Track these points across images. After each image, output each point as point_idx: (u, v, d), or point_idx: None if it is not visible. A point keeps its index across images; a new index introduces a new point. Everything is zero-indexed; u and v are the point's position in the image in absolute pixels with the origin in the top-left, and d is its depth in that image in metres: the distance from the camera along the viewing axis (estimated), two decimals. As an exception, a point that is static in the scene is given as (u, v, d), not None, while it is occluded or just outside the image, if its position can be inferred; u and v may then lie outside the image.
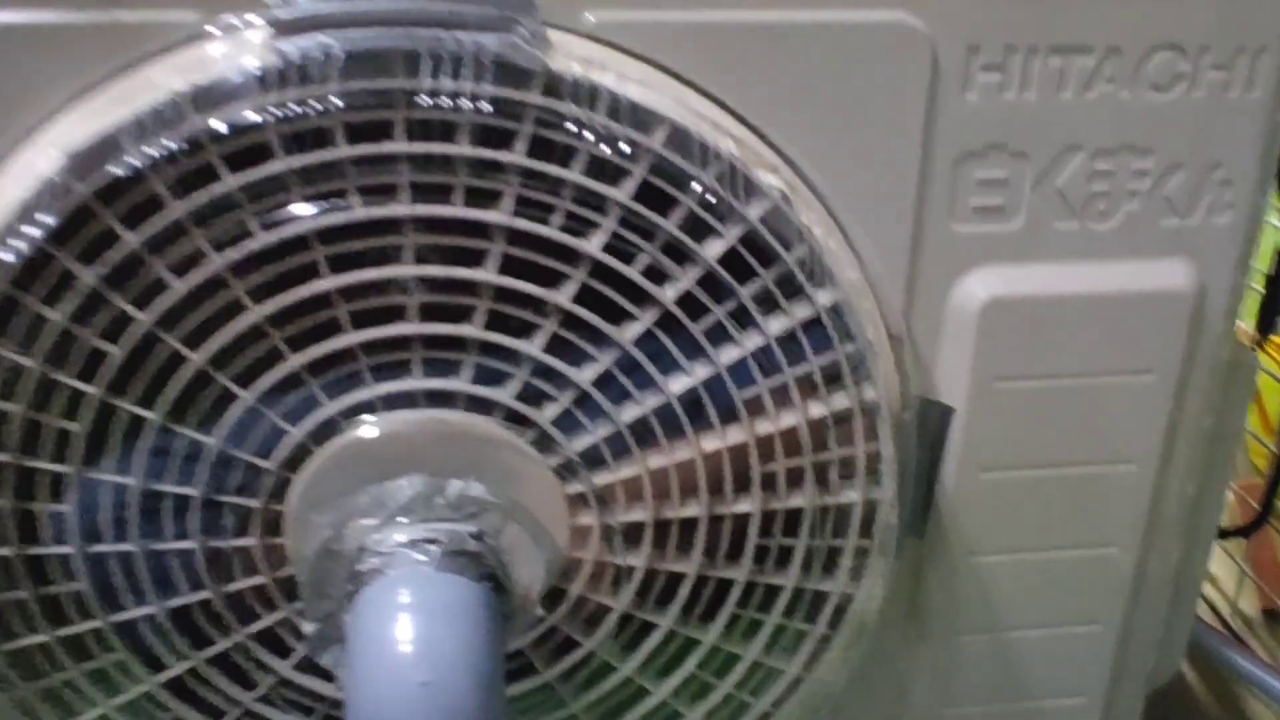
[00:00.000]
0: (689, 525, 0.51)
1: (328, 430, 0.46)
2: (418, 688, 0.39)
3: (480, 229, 0.45)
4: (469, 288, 0.46)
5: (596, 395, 0.47)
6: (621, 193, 0.45)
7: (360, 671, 0.41)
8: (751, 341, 0.48)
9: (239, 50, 0.42)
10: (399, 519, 0.45)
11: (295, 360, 0.45)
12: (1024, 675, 0.60)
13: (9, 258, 0.42)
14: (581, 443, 0.48)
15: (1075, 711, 0.62)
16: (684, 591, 0.52)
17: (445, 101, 0.42)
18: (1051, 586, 0.58)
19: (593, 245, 0.45)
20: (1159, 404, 0.54)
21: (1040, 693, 0.61)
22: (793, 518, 0.52)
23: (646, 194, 0.45)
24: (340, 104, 0.42)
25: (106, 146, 0.42)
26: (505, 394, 0.47)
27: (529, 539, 0.46)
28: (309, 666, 0.51)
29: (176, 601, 0.48)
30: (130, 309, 0.43)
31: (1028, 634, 0.59)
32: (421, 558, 0.43)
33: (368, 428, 0.46)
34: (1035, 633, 0.59)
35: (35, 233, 0.42)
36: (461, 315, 0.46)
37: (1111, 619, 0.60)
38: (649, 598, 0.52)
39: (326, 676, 0.51)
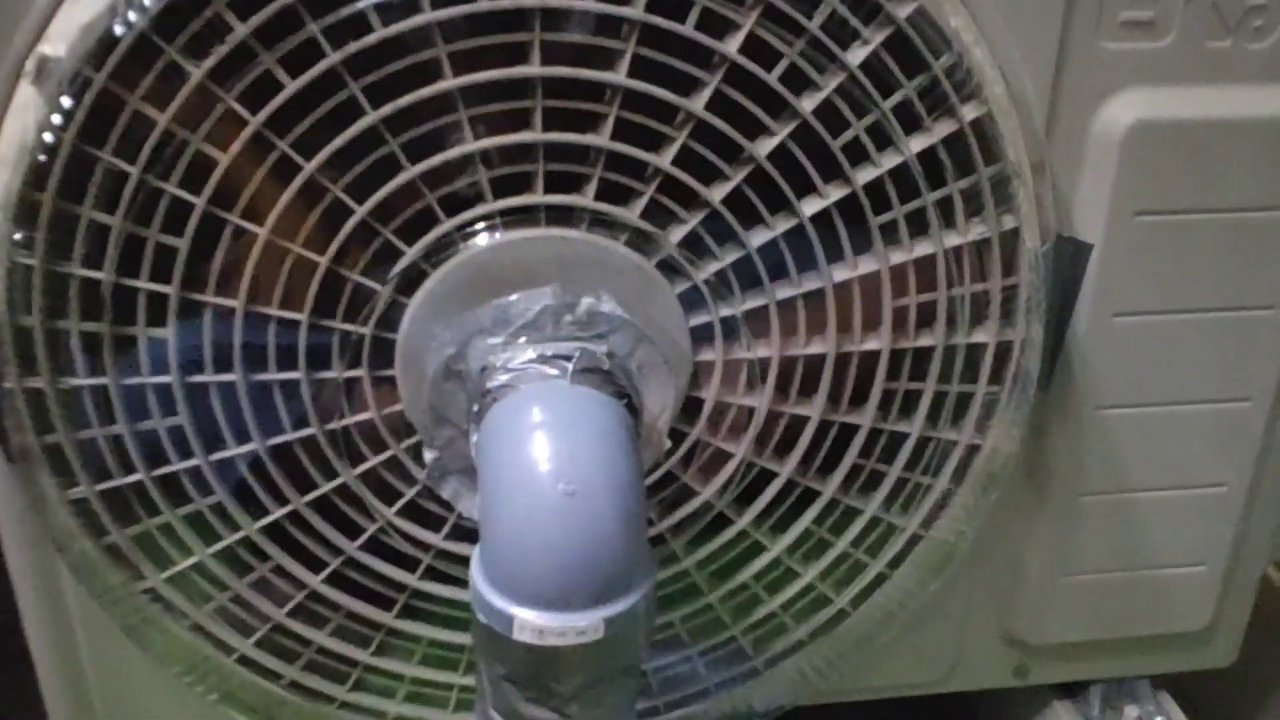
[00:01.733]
0: (814, 365, 0.48)
1: (444, 249, 0.44)
2: (562, 498, 0.37)
3: (612, 28, 0.42)
4: (596, 94, 0.42)
5: (727, 215, 0.45)
6: (764, -15, 0.41)
7: (495, 487, 0.38)
8: (889, 160, 0.45)
9: None
10: (525, 336, 0.42)
11: (413, 170, 0.42)
12: (1146, 541, 0.58)
13: (112, 39, 0.39)
14: (709, 269, 0.46)
15: (1196, 581, 0.59)
16: (806, 438, 0.50)
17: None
18: (1180, 444, 0.55)
19: (730, 46, 0.42)
20: (1308, 242, 0.51)
21: (1161, 560, 0.58)
22: (921, 360, 0.50)
23: (787, -8, 0.42)
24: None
25: (217, -76, 0.39)
26: (631, 212, 0.44)
27: (661, 361, 0.43)
28: (414, 513, 0.49)
29: (279, 439, 0.46)
30: (238, 107, 0.40)
31: (1153, 495, 0.56)
32: (554, 373, 0.40)
33: (486, 246, 0.43)
34: (1160, 494, 0.56)
35: (137, 19, 0.39)
36: (587, 125, 0.43)
37: (1240, 481, 0.57)
38: (769, 444, 0.50)
39: (431, 524, 0.49)
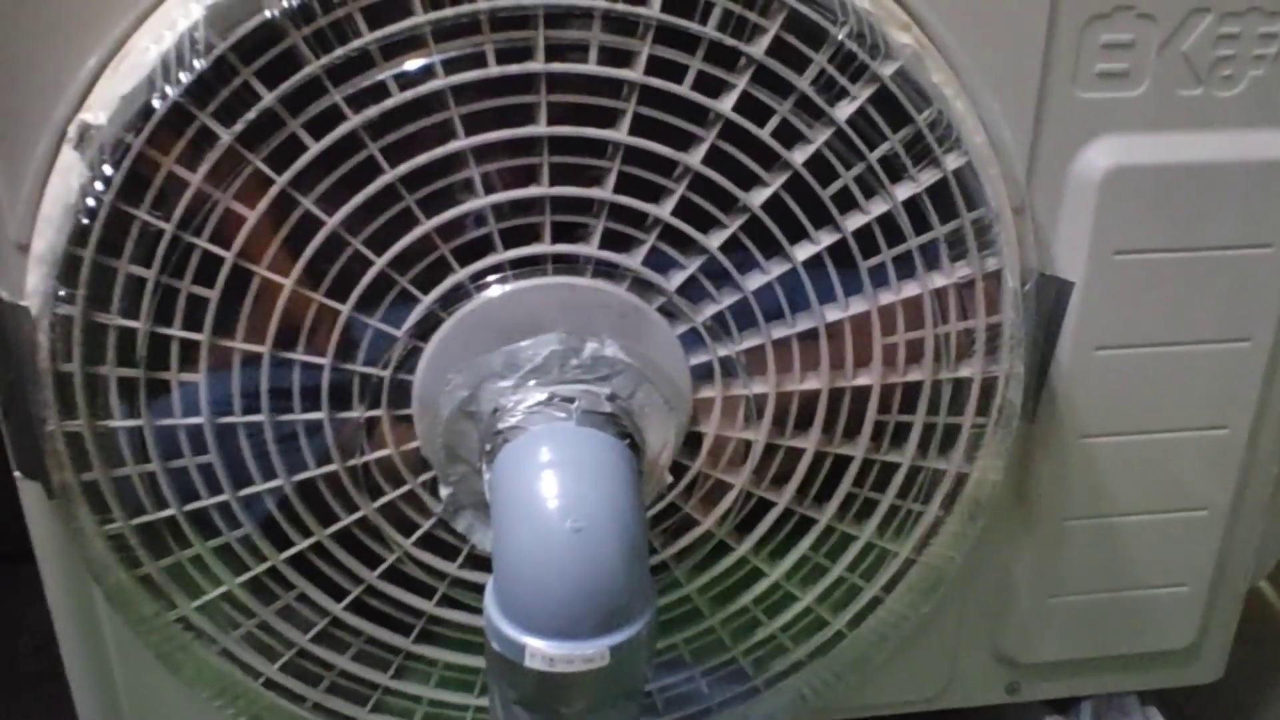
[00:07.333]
0: (809, 400, 0.51)
1: (457, 296, 0.46)
2: (570, 535, 0.39)
3: (613, 89, 0.45)
4: (599, 150, 0.45)
5: (724, 261, 0.47)
6: (756, 49, 0.44)
7: (507, 523, 0.41)
8: (877, 208, 0.48)
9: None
10: (533, 380, 0.44)
11: (429, 224, 0.45)
12: (1129, 563, 0.60)
13: (151, 109, 0.42)
14: (707, 311, 0.48)
15: (1178, 601, 0.62)
16: (802, 468, 0.52)
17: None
18: (1162, 470, 0.58)
19: (725, 104, 0.45)
20: None
21: (1145, 581, 0.61)
22: (910, 393, 0.52)
23: (778, 52, 0.45)
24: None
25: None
26: (633, 260, 0.47)
27: (661, 402, 0.46)
28: (430, 543, 0.51)
29: (303, 475, 0.48)
30: (265, 168, 0.43)
31: (1136, 520, 0.59)
32: (561, 415, 0.43)
33: (496, 293, 0.46)
34: (1143, 518, 0.59)
35: (174, 90, 0.42)
36: (591, 180, 0.46)
37: (1220, 504, 0.59)
38: (766, 475, 0.52)
39: (447, 553, 0.52)
